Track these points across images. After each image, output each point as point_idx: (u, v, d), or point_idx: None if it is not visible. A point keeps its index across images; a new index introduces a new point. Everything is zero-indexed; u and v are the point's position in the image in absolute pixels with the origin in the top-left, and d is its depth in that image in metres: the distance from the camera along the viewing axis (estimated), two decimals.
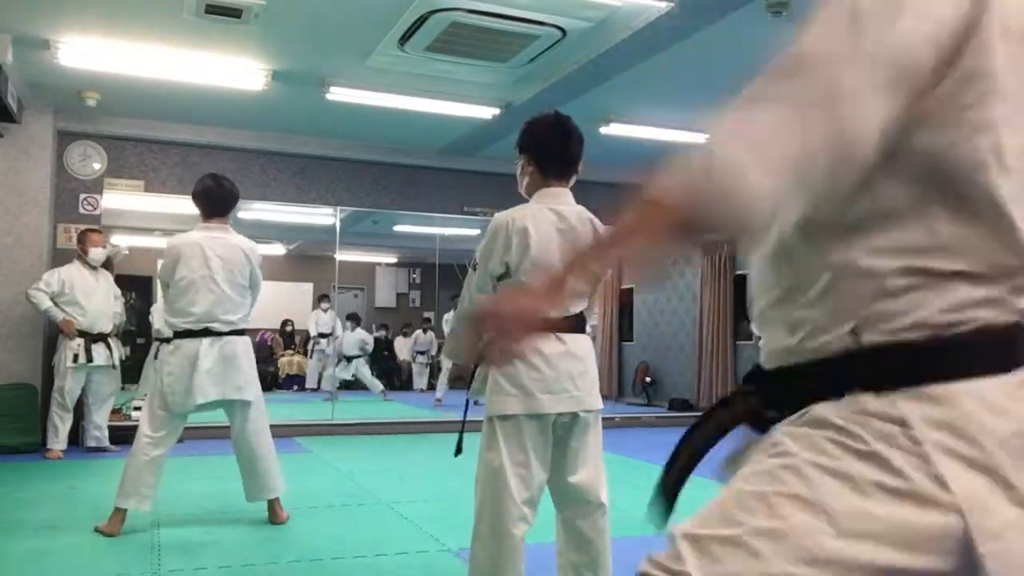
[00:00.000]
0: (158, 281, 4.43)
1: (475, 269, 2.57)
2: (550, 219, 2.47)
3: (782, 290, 1.02)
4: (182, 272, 3.87)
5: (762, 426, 1.02)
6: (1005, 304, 0.92)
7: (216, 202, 4.06)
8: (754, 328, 1.10)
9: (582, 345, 2.50)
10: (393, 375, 12.13)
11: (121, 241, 7.25)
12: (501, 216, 2.52)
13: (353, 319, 11.09)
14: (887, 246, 0.92)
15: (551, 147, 2.56)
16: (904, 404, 0.88)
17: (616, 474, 6.11)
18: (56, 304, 6.05)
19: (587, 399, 2.46)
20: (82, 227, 6.62)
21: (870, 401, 0.90)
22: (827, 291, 0.96)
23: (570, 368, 2.42)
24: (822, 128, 0.86)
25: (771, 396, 1.03)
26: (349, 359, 10.63)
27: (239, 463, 4.07)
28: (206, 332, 3.86)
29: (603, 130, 6.97)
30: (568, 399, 2.42)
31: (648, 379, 11.00)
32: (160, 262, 4.26)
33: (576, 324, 2.51)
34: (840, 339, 0.94)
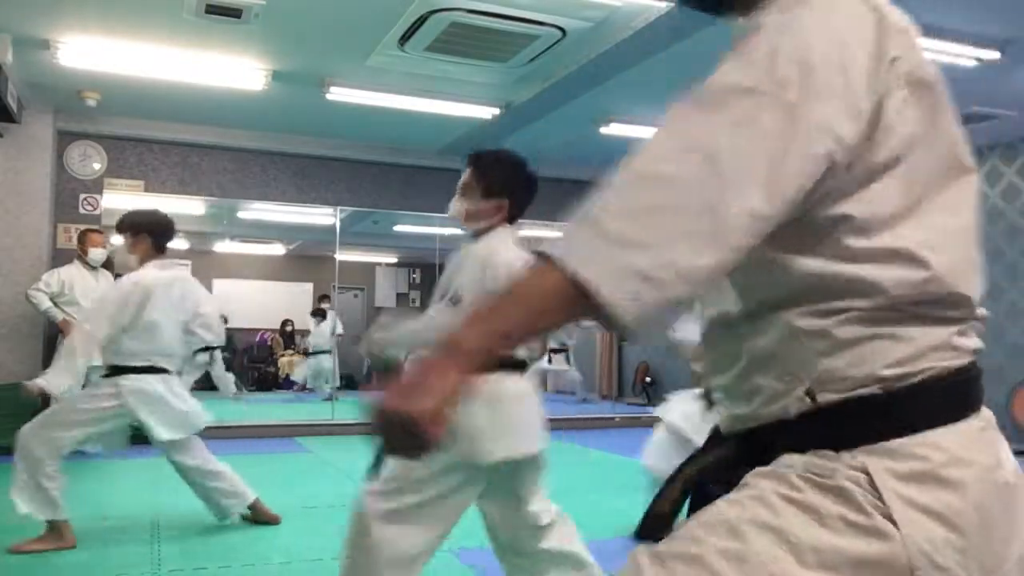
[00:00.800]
0: None
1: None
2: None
3: (735, 364, 1.01)
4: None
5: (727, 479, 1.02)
6: (955, 347, 0.92)
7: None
8: (716, 399, 1.10)
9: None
10: None
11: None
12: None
13: (319, 314, 11.05)
14: (825, 307, 0.92)
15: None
16: (864, 457, 0.89)
17: (616, 474, 6.12)
18: (56, 304, 6.05)
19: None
20: (82, 227, 6.62)
21: (831, 454, 0.91)
22: (775, 356, 0.95)
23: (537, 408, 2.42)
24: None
25: (735, 455, 1.03)
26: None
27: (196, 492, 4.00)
28: None
29: (603, 130, 6.97)
30: None
31: (648, 379, 10.99)
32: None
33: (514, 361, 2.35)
34: (796, 402, 0.94)
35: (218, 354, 4.26)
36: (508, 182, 2.53)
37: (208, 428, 5.61)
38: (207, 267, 11.83)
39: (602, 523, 4.13)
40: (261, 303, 11.06)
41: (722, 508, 0.93)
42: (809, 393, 0.93)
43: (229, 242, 11.40)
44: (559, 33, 4.96)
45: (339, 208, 8.10)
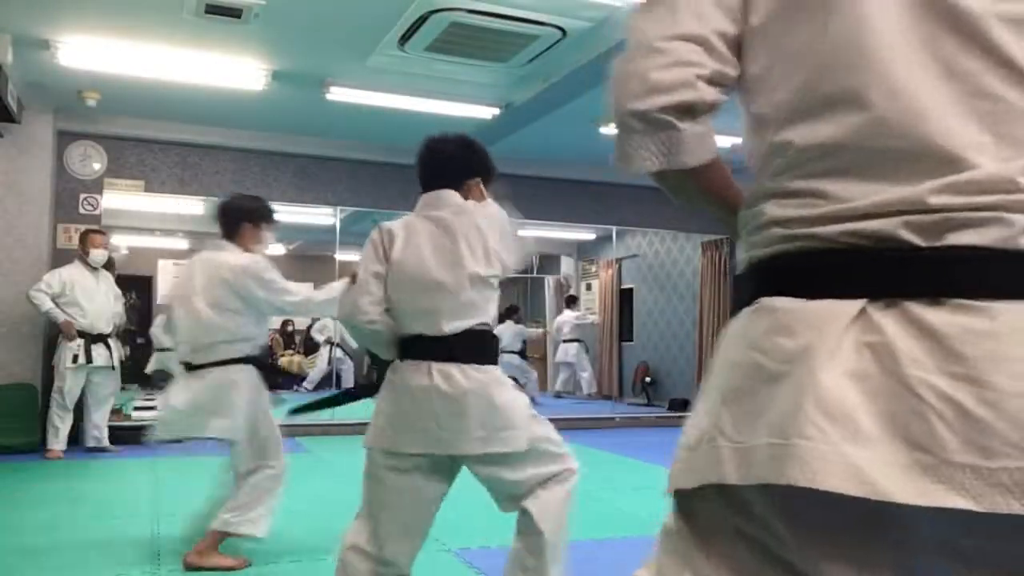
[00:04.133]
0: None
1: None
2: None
3: None
4: None
5: None
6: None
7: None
8: None
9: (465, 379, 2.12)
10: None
11: (121, 241, 7.25)
12: None
13: None
14: None
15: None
16: None
17: (616, 474, 6.12)
18: (57, 305, 6.05)
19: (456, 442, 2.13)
20: (82, 227, 6.62)
21: None
22: None
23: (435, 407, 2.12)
24: None
25: None
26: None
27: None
28: None
29: (603, 130, 6.96)
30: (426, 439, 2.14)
31: (648, 379, 10.99)
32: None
33: (464, 347, 2.15)
34: None
35: None
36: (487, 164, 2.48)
37: None
38: None
39: (602, 523, 4.12)
40: None
41: None
42: None
43: None
44: (559, 33, 4.96)
45: (339, 208, 8.09)
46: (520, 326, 10.90)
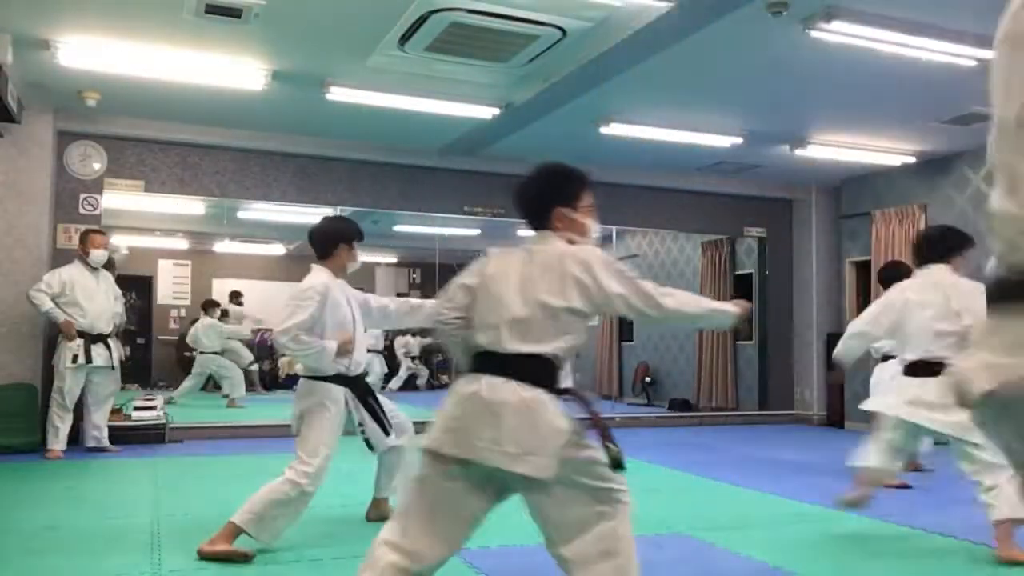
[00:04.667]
0: None
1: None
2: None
3: None
4: None
5: None
6: None
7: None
8: None
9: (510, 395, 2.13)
10: (392, 375, 12.14)
11: (121, 241, 7.24)
12: None
13: None
14: None
15: None
16: None
17: None
18: (57, 305, 6.05)
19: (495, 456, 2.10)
20: (82, 227, 6.62)
21: None
22: None
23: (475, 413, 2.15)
24: None
25: None
26: None
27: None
28: None
29: (603, 130, 6.97)
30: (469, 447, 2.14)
31: (648, 379, 11.00)
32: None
33: (527, 368, 2.17)
34: None
35: None
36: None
37: (208, 428, 5.63)
38: (207, 267, 11.84)
39: None
40: (261, 303, 11.03)
41: None
42: None
43: (229, 242, 11.40)
44: (559, 33, 4.96)
45: (339, 208, 8.09)
46: None
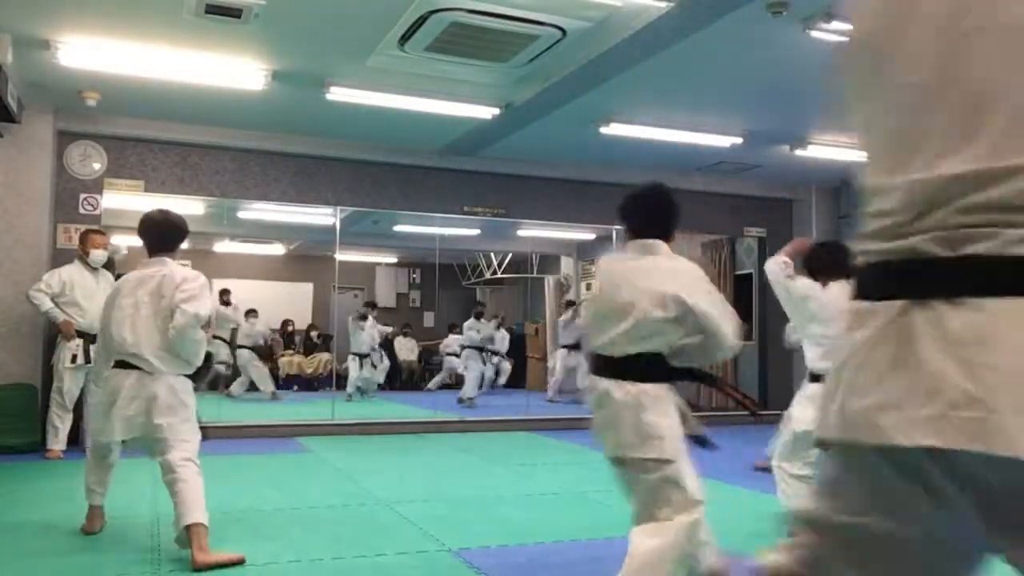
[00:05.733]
0: None
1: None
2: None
3: None
4: None
5: None
6: None
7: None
8: None
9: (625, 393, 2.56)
10: (394, 375, 12.15)
11: (121, 241, 7.24)
12: None
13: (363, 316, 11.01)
14: None
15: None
16: None
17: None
18: (56, 305, 6.05)
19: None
20: (82, 227, 6.62)
21: None
22: None
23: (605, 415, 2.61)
24: None
25: None
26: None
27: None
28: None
29: (603, 130, 6.97)
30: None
31: None
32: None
33: (630, 367, 2.56)
34: None
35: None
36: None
37: (208, 428, 5.61)
38: (207, 267, 11.77)
39: (603, 522, 4.13)
40: (261, 303, 11.04)
41: None
42: None
43: (229, 242, 11.39)
44: (559, 33, 4.96)
45: (339, 208, 8.09)
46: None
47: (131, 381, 3.51)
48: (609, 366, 2.57)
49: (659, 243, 2.64)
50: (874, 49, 1.02)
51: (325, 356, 11.73)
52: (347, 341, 10.69)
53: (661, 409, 2.52)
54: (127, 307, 3.57)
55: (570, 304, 11.32)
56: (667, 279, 2.51)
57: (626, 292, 2.54)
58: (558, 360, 10.63)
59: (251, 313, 10.55)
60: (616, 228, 9.87)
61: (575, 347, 10.46)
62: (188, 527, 3.31)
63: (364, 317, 10.78)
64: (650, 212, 2.70)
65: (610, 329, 2.54)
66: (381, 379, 11.13)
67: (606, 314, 2.57)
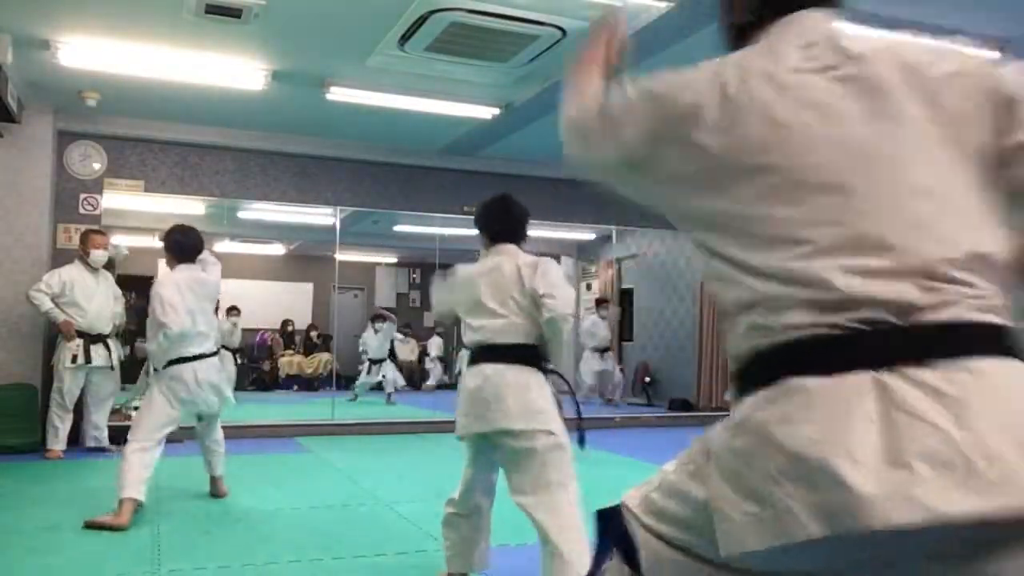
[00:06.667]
0: None
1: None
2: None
3: None
4: None
5: None
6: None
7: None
8: None
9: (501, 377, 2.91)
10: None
11: (121, 241, 7.24)
12: None
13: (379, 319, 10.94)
14: None
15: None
16: None
17: (616, 474, 6.10)
18: (56, 305, 6.05)
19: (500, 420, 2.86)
20: (82, 227, 6.62)
21: None
22: None
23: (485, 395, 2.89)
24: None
25: None
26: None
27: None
28: None
29: None
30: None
31: (648, 379, 10.99)
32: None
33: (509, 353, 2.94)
34: None
35: None
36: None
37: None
38: None
39: None
40: (261, 303, 11.05)
41: None
42: None
43: (229, 242, 11.40)
44: (559, 33, 4.96)
45: (339, 208, 8.10)
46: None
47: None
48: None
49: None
50: None
51: (325, 356, 11.73)
52: (351, 342, 10.69)
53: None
54: None
55: (600, 302, 10.81)
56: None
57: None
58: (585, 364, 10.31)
59: (232, 311, 10.26)
60: (616, 228, 9.90)
61: (604, 350, 10.35)
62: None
63: (377, 319, 10.75)
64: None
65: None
66: (402, 381, 10.93)
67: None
